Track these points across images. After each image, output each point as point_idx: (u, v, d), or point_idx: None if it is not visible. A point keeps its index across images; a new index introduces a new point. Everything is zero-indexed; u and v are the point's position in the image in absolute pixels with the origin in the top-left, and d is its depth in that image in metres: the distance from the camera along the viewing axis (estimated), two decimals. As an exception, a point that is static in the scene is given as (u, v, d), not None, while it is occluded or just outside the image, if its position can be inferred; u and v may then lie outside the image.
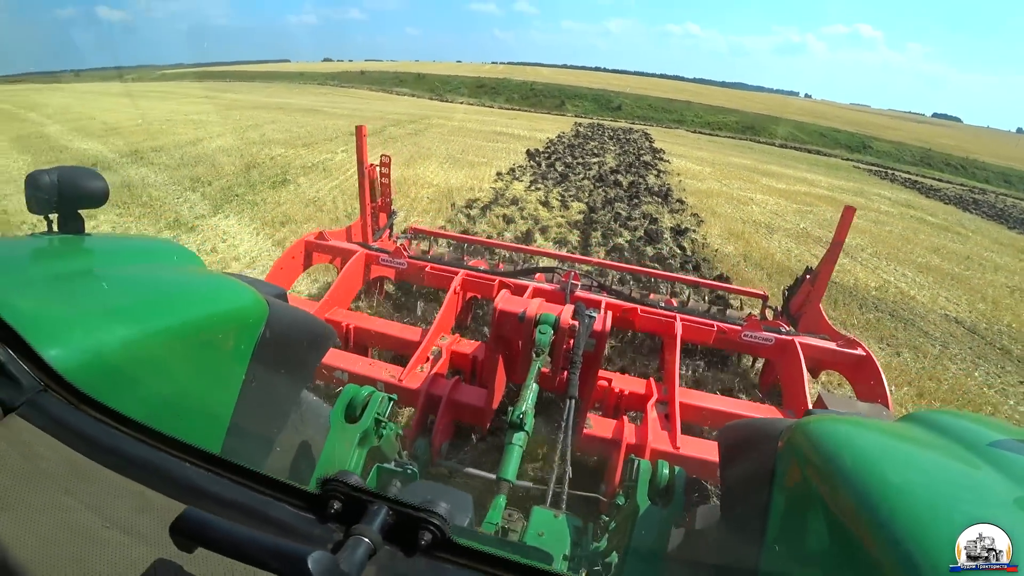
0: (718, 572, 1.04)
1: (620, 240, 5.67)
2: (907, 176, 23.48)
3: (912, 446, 0.79)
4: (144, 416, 0.62)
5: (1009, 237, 11.35)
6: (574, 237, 5.65)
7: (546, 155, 11.33)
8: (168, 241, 1.38)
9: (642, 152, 14.22)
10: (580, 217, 6.48)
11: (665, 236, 6.05)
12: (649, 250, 5.41)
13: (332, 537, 0.46)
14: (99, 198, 1.07)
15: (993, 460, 0.69)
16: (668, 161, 13.29)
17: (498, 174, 8.61)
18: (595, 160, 11.58)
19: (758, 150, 24.07)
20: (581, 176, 9.26)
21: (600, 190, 8.24)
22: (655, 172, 11.15)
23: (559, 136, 15.72)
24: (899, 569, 0.54)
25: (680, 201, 8.33)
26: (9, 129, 11.17)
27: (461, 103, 33.16)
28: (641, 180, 9.66)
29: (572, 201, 7.27)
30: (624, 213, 6.79)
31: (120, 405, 0.63)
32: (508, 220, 5.93)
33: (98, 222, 5.02)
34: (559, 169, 9.67)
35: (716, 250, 5.93)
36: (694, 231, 6.55)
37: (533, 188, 7.81)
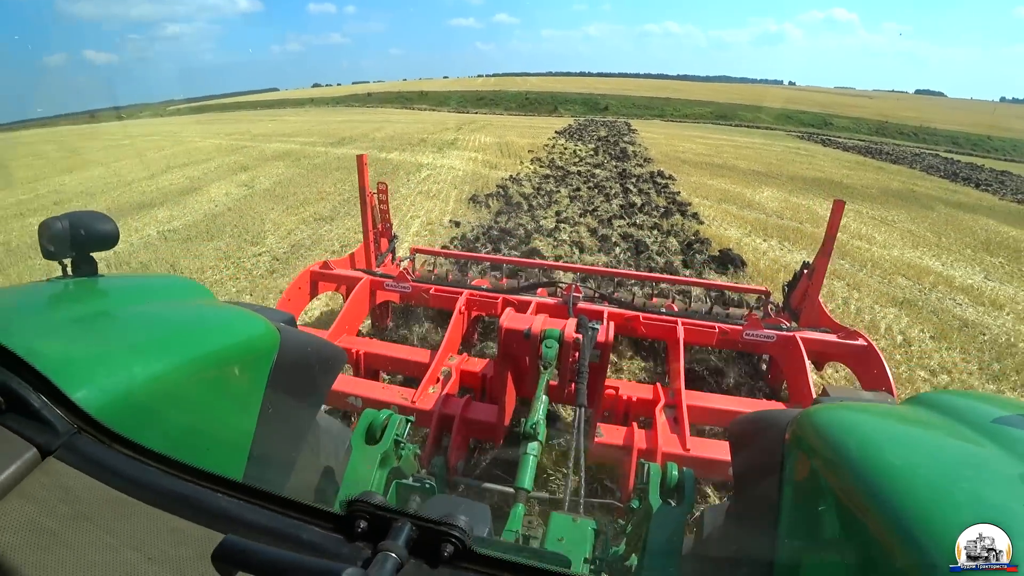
0: (733, 565, 1.08)
1: (611, 151, 15.24)
2: (827, 138, 32.07)
3: (917, 428, 0.84)
4: (170, 448, 0.68)
5: (858, 160, 19.95)
6: (592, 150, 15.16)
7: (567, 133, 21.24)
8: (179, 277, 1.48)
9: (622, 131, 24.02)
10: (593, 149, 15.94)
11: (629, 154, 15.52)
12: (622, 157, 14.86)
13: (361, 555, 0.51)
14: (110, 240, 1.13)
15: (998, 437, 0.73)
16: (637, 133, 23.11)
17: (548, 139, 18.25)
18: (594, 133, 21.52)
19: (717, 129, 33.20)
20: (588, 139, 19.04)
21: (600, 142, 17.96)
22: (628, 136, 20.94)
23: (568, 126, 25.55)
24: (904, 561, 0.58)
25: (640, 145, 18.00)
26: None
27: (476, 113, 42.28)
28: (620, 139, 19.42)
29: (588, 144, 16.99)
30: (612, 147, 16.41)
31: (148, 439, 0.68)
32: (565, 149, 15.50)
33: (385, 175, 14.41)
34: (576, 137, 19.55)
35: (652, 156, 15.42)
36: (643, 153, 16.12)
37: (569, 143, 17.50)
